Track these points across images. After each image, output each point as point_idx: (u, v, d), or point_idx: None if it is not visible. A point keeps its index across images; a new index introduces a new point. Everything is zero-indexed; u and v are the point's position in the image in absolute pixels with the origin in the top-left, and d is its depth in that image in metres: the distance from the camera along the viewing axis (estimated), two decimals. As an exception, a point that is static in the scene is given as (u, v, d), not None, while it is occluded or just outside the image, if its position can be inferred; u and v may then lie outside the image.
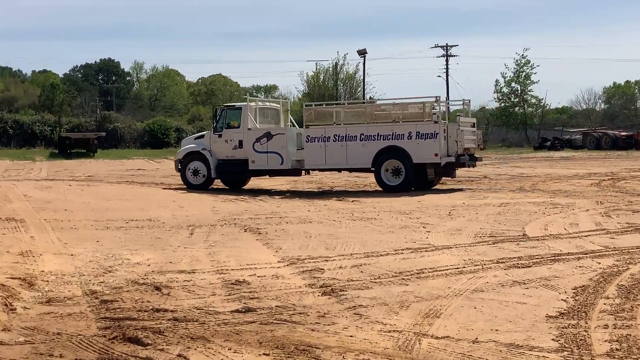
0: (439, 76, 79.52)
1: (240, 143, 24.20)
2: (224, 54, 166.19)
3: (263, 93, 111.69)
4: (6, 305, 7.80)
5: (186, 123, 66.04)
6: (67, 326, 7.14)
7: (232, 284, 8.99)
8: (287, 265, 10.26)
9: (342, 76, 65.62)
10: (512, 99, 75.72)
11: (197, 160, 24.75)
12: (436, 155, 21.61)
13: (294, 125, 25.42)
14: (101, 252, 11.26)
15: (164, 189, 23.87)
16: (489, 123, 71.27)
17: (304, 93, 67.07)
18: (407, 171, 21.90)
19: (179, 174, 25.13)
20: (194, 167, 24.78)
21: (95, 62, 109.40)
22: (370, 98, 67.74)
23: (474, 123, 23.34)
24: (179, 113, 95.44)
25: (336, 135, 22.82)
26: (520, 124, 74.94)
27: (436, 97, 22.61)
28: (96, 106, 77.05)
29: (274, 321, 7.31)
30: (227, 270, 9.87)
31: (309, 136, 23.17)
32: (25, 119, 57.81)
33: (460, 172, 28.94)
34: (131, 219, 15.43)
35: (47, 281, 9.08)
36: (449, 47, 77.70)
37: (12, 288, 8.50)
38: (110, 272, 9.75)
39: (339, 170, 24.27)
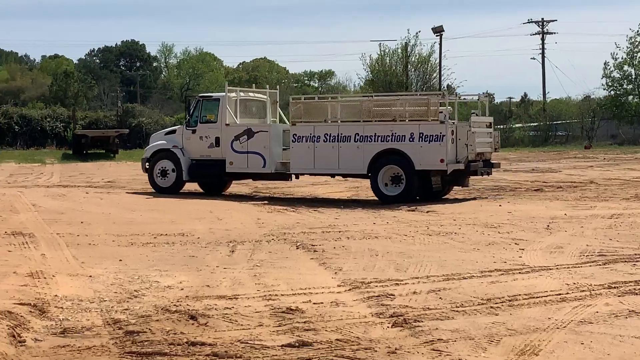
0: (533, 58, 78.65)
1: (217, 141, 24.47)
2: (270, 34, 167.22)
3: (317, 80, 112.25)
4: (14, 336, 7.95)
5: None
6: (86, 362, 7.25)
7: (283, 312, 9.02)
8: (349, 289, 10.27)
9: (413, 59, 65.39)
10: (625, 86, 74.62)
11: (166, 160, 25.12)
12: (442, 161, 21.48)
13: (283, 121, 25.37)
14: (125, 273, 11.41)
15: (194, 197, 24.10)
16: (595, 116, 70.35)
17: (367, 80, 67.09)
18: (409, 179, 21.85)
19: (146, 175, 25.68)
20: (162, 167, 25.21)
21: (116, 44, 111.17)
22: (447, 86, 67.51)
23: (490, 123, 23.30)
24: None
25: (327, 134, 22.90)
26: (635, 117, 73.76)
27: (442, 91, 22.47)
28: (117, 98, 78.06)
29: (334, 358, 7.31)
30: (276, 295, 9.91)
31: (296, 135, 23.24)
32: (34, 114, 58.97)
33: (560, 175, 28.66)
34: (160, 233, 15.61)
35: (62, 308, 9.23)
36: (545, 23, 77.07)
37: (21, 316, 8.66)
38: (136, 297, 9.87)
39: (332, 175, 24.41)
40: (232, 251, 13.50)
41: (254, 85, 29.11)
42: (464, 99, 26.63)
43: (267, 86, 27.60)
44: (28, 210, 19.36)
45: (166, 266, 11.99)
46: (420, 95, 22.89)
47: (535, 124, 67.02)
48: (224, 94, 24.91)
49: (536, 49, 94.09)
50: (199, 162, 24.73)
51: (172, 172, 25.03)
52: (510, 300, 9.52)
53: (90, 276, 11.12)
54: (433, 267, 11.83)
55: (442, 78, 65.68)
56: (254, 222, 17.59)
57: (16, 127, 56.94)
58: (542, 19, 77.41)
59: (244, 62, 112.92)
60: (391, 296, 9.82)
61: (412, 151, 21.71)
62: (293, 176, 24.43)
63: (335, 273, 11.43)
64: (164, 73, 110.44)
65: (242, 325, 8.52)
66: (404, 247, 13.88)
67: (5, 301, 9.22)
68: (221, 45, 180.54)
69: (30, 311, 8.92)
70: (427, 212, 19.43)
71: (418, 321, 8.59)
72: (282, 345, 7.71)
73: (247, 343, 7.81)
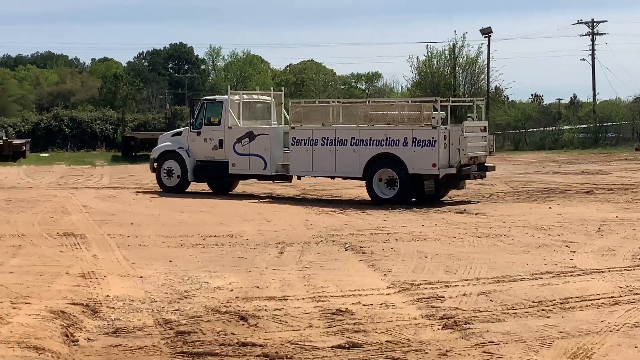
0: (583, 59, 77.68)
1: (221, 143, 25.02)
2: (317, 36, 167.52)
3: (364, 82, 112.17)
4: (67, 336, 8.04)
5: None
6: (138, 362, 7.31)
7: (333, 313, 9.03)
8: (399, 291, 10.25)
9: (460, 61, 65.05)
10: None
11: (172, 160, 25.78)
12: (434, 165, 21.83)
13: (288, 122, 25.45)
14: (175, 274, 11.49)
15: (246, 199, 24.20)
16: (649, 119, 69.35)
17: (414, 82, 66.86)
18: (402, 182, 22.23)
19: (154, 174, 26.38)
20: (168, 167, 25.85)
21: (165, 47, 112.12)
22: (495, 88, 67.10)
23: (484, 127, 23.46)
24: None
25: (324, 138, 23.51)
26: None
27: (434, 97, 23.16)
28: (165, 100, 78.82)
29: (385, 359, 7.30)
30: (325, 297, 9.93)
31: (295, 138, 23.91)
32: (84, 116, 59.65)
33: (611, 177, 28.35)
34: (209, 234, 15.71)
35: (114, 308, 9.32)
36: (595, 24, 76.18)
37: (74, 316, 8.76)
38: (186, 297, 9.94)
39: (332, 177, 24.79)
40: (281, 253, 13.54)
41: (282, 88, 29.27)
42: (476, 101, 26.65)
43: (272, 88, 28.27)
44: (79, 212, 19.58)
45: (216, 267, 12.06)
46: (412, 100, 23.64)
47: (584, 125, 66.31)
48: (227, 96, 25.45)
49: (586, 50, 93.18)
50: (203, 164, 25.43)
51: (178, 173, 25.73)
52: (561, 303, 9.45)
53: (141, 277, 11.22)
54: (483, 269, 11.77)
55: (490, 80, 65.33)
56: (302, 224, 17.62)
57: (66, 129, 57.63)
58: (592, 19, 76.51)
59: (291, 64, 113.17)
60: (441, 298, 9.78)
61: (406, 155, 22.14)
62: (294, 177, 24.97)
63: (385, 275, 11.41)
64: (211, 75, 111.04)
65: (292, 326, 8.54)
66: (453, 249, 13.83)
67: (58, 301, 9.33)
68: (268, 47, 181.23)
69: (83, 311, 9.01)
70: (476, 214, 19.33)
71: (468, 323, 8.55)
72: (332, 347, 7.72)
73: (297, 344, 7.82)
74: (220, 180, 25.90)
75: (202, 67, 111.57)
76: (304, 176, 25.12)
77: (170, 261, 12.60)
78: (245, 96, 26.32)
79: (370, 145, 22.81)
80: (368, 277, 11.27)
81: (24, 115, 66.82)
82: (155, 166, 26.26)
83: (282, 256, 13.20)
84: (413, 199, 22.33)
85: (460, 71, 65.12)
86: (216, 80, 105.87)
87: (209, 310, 9.21)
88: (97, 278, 10.94)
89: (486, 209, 20.34)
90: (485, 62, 65.08)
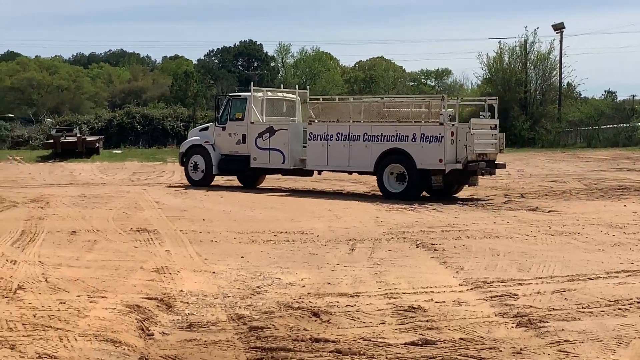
0: (658, 54, 76.42)
1: (244, 137, 26.14)
2: (386, 33, 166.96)
3: (433, 79, 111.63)
4: (142, 330, 8.16)
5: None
6: (212, 356, 7.38)
7: (405, 310, 9.01)
8: (471, 289, 10.19)
9: (532, 57, 64.33)
10: None
11: (198, 154, 27.01)
12: (440, 160, 22.44)
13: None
14: (247, 269, 11.57)
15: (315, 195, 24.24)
16: None
17: (484, 78, 66.34)
18: (411, 177, 22.93)
19: (183, 168, 27.72)
20: (195, 161, 27.08)
21: (235, 45, 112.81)
22: (567, 84, 66.18)
23: (494, 125, 23.82)
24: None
25: (339, 133, 24.40)
26: None
27: (442, 95, 23.74)
28: (235, 97, 79.26)
29: (459, 357, 7.27)
30: (397, 294, 9.91)
31: (312, 133, 24.87)
32: (155, 114, 60.37)
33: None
34: (280, 231, 15.78)
35: (187, 303, 9.42)
36: (670, 18, 74.58)
37: (149, 310, 8.88)
38: (258, 293, 10.00)
39: (349, 172, 25.33)
40: (352, 249, 13.55)
41: (307, 87, 30.40)
42: (466, 101, 27.72)
43: (297, 86, 29.22)
44: (152, 208, 19.82)
45: (287, 263, 12.12)
46: (421, 98, 24.65)
47: (659, 122, 65.09)
48: (250, 93, 26.43)
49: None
50: (227, 157, 26.58)
51: (203, 167, 26.89)
52: (639, 302, 9.30)
53: (214, 272, 11.31)
54: (557, 267, 11.64)
55: (562, 76, 64.47)
56: (373, 221, 17.61)
57: (138, 126, 58.38)
58: (667, 14, 75.00)
59: (360, 61, 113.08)
60: (514, 296, 9.70)
61: (414, 151, 22.80)
62: (315, 172, 25.79)
63: (457, 272, 11.36)
64: (281, 73, 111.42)
65: (364, 322, 8.54)
66: (526, 246, 13.70)
67: (133, 295, 9.47)
68: (338, 44, 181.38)
69: (158, 305, 9.13)
70: (549, 211, 19.13)
71: (543, 322, 8.46)
72: (405, 344, 7.70)
73: (369, 340, 7.82)
74: (242, 174, 27.08)
75: (272, 64, 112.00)
76: (321, 171, 25.76)
77: (242, 257, 12.70)
78: (269, 93, 27.37)
79: (381, 140, 23.60)
80: (440, 274, 11.22)
81: (97, 112, 67.91)
82: (184, 160, 27.50)
83: (353, 253, 13.21)
84: (427, 194, 23.20)
85: (532, 67, 64.38)
86: (285, 77, 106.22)
87: (282, 306, 9.25)
88: (170, 273, 11.07)
89: (559, 207, 20.11)
90: (557, 58, 64.27)
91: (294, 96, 27.29)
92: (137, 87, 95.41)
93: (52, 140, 46.82)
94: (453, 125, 22.69)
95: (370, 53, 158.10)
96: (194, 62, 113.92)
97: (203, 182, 26.83)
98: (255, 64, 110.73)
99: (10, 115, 72.79)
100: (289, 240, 14.56)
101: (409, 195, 22.66)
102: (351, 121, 24.35)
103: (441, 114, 22.64)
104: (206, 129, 27.69)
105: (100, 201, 21.18)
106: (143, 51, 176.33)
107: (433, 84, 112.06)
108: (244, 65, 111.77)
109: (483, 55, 65.03)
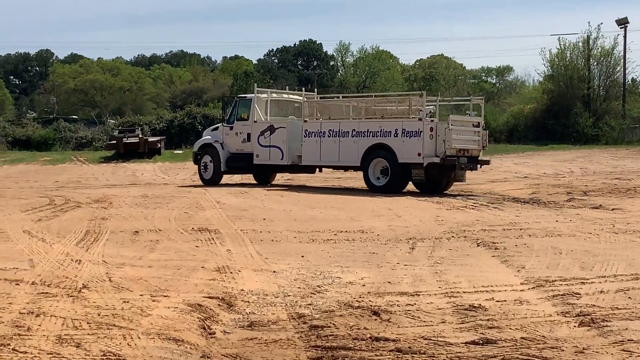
0: None
1: (249, 136, 27.62)
2: (446, 30, 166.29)
3: (494, 76, 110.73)
4: (204, 328, 8.24)
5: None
6: (273, 355, 7.43)
7: (465, 309, 8.98)
8: (533, 288, 10.11)
9: (595, 53, 63.54)
10: None
11: (208, 154, 28.56)
12: (419, 154, 23.80)
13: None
14: (307, 269, 11.62)
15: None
16: None
17: (546, 75, 65.68)
18: (393, 171, 24.40)
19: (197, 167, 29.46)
20: (205, 159, 28.65)
21: (294, 44, 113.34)
22: (632, 80, 65.20)
23: (478, 123, 24.87)
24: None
25: (331, 130, 25.88)
26: None
27: (421, 92, 25.48)
28: (295, 97, 79.45)
29: (520, 356, 7.22)
30: (457, 293, 9.87)
31: (307, 131, 26.39)
32: (216, 114, 60.68)
33: None
34: (340, 230, 15.82)
35: (248, 302, 9.49)
36: None
37: (210, 309, 8.96)
38: (319, 292, 10.03)
39: (339, 168, 27.20)
40: (412, 248, 13.53)
41: (315, 90, 32.48)
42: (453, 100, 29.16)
43: (303, 88, 31.46)
44: (213, 208, 20.00)
45: (347, 262, 12.14)
46: (405, 95, 27.94)
47: None
48: (255, 94, 28.07)
49: None
50: (234, 155, 28.16)
51: (212, 164, 28.47)
52: None
53: (274, 271, 11.38)
54: (620, 266, 11.49)
55: (627, 71, 63.57)
56: (433, 220, 17.57)
57: (199, 127, 58.83)
58: None
59: (421, 59, 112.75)
60: (577, 295, 9.60)
61: (396, 145, 24.28)
62: (317, 168, 27.58)
63: (518, 271, 11.28)
64: (340, 72, 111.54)
65: (424, 321, 8.53)
66: (589, 245, 13.55)
67: (195, 294, 9.57)
68: (397, 42, 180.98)
69: (219, 304, 9.21)
70: (613, 209, 18.91)
71: (606, 321, 8.37)
72: (465, 343, 7.68)
73: (430, 339, 7.81)
74: (248, 171, 28.68)
75: (331, 63, 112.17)
76: (317, 167, 27.29)
77: (302, 256, 12.75)
78: (274, 95, 29.11)
79: (367, 136, 24.90)
80: (501, 273, 11.15)
81: (158, 113, 68.68)
82: (199, 159, 29.02)
83: (414, 252, 13.19)
84: (416, 190, 24.83)
85: (595, 63, 63.58)
86: (345, 77, 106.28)
87: (342, 305, 9.28)
88: (231, 272, 11.16)
89: (623, 205, 19.85)
90: (621, 53, 63.42)
91: (300, 98, 28.52)
92: (198, 88, 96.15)
93: (115, 141, 47.51)
94: (432, 121, 24.06)
95: (430, 51, 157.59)
96: (254, 62, 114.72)
97: (212, 180, 28.27)
98: (315, 63, 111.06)
99: (74, 116, 73.97)
100: (349, 240, 14.59)
101: (392, 188, 24.14)
102: (341, 118, 26.04)
103: (420, 110, 24.08)
104: (217, 129, 29.13)
105: (162, 201, 21.43)
106: (203, 52, 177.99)
107: (494, 81, 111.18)
108: (303, 64, 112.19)
109: (545, 52, 64.55)
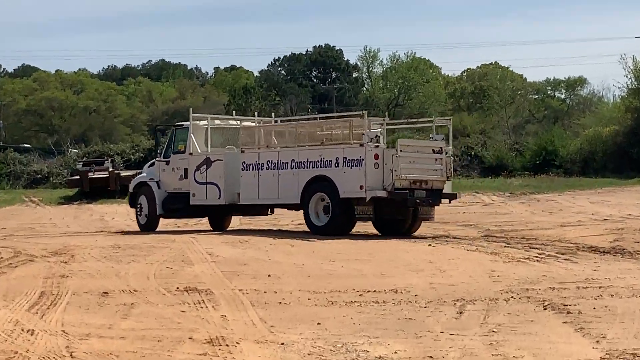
0: None
1: (186, 172, 28.02)
2: (501, 32, 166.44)
3: (563, 90, 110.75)
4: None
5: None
6: None
7: (530, 392, 8.94)
8: (617, 363, 10.07)
9: (691, 59, 63.45)
10: None
11: (143, 194, 28.89)
12: (361, 187, 24.34)
13: None
14: (325, 339, 11.60)
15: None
16: None
17: (630, 89, 65.54)
18: (334, 208, 24.96)
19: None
20: (140, 202, 28.96)
21: (307, 51, 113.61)
22: None
23: (440, 148, 25.39)
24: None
25: (269, 161, 26.61)
26: None
27: (362, 112, 26.10)
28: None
29: None
30: (519, 370, 9.84)
31: (245, 162, 27.12)
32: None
33: None
34: (367, 289, 15.78)
35: (249, 383, 9.47)
36: None
37: (200, 393, 8.94)
38: (340, 370, 10.01)
39: (274, 207, 27.76)
40: (460, 312, 13.49)
41: (272, 114, 33.10)
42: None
43: (256, 113, 33.15)
44: (203, 261, 19.99)
45: (376, 331, 12.10)
46: (341, 117, 28.87)
47: None
48: (191, 122, 28.57)
49: None
50: (171, 195, 28.53)
51: (147, 207, 28.71)
52: None
53: (282, 343, 11.35)
54: None
55: None
56: (487, 275, 17.52)
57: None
58: None
59: (469, 69, 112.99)
60: (674, 373, 9.55)
61: (337, 177, 24.93)
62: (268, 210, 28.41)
63: (597, 342, 11.22)
64: (366, 85, 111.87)
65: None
66: (689, 307, 13.49)
67: (180, 374, 9.56)
68: (439, 48, 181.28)
69: (212, 388, 9.19)
70: None
71: None
72: None
73: None
74: (187, 214, 29.46)
75: (355, 74, 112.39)
76: (259, 206, 27.83)
77: (318, 323, 12.72)
78: (218, 122, 29.77)
79: (307, 167, 25.58)
80: (575, 345, 11.10)
81: (133, 140, 68.93)
82: (134, 201, 29.55)
83: (462, 317, 13.15)
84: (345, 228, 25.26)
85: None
86: (372, 92, 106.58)
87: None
88: (227, 345, 11.14)
89: None
90: None
91: (253, 124, 29.35)
92: (185, 107, 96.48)
93: (78, 177, 47.68)
94: (377, 147, 24.66)
95: (481, 58, 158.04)
96: (256, 73, 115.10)
97: (148, 227, 28.62)
98: (333, 75, 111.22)
99: (25, 145, 74.24)
100: (379, 302, 14.55)
101: (334, 228, 24.81)
102: (279, 147, 26.76)
103: (363, 134, 24.62)
104: (153, 164, 29.63)
105: (139, 253, 21.44)
106: (191, 62, 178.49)
107: (563, 96, 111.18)
108: (318, 76, 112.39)
109: (627, 59, 64.32)
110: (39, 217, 38.24)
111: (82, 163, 52.01)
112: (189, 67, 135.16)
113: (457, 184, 47.26)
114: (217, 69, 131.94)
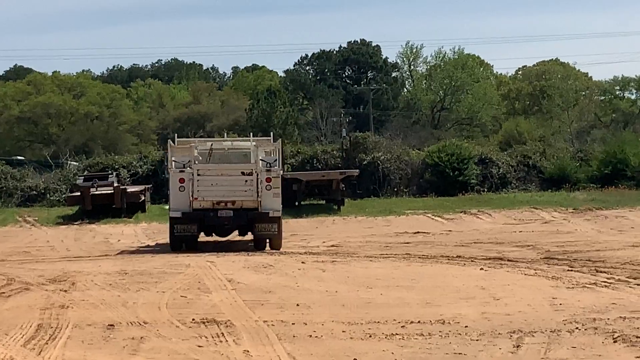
0: None
1: None
2: (562, 24, 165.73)
3: (635, 90, 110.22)
4: None
5: (496, 148, 66.57)
6: None
7: None
8: (699, 404, 10.03)
9: None
10: None
11: None
12: (169, 209, 31.02)
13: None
14: (363, 378, 11.61)
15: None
16: None
17: None
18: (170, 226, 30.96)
19: None
20: None
21: (339, 48, 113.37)
22: None
23: (250, 171, 30.03)
24: (483, 131, 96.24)
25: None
26: None
27: (170, 135, 28.64)
28: (341, 124, 79.65)
29: None
30: (586, 413, 9.83)
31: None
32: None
33: None
34: (411, 320, 15.79)
35: None
36: None
37: None
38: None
39: None
40: (518, 346, 13.47)
41: (271, 133, 34.58)
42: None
43: (251, 133, 35.07)
44: (222, 288, 20.02)
45: (422, 368, 12.12)
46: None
47: None
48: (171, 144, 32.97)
49: None
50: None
51: None
52: None
53: (314, 382, 11.38)
54: None
55: None
56: (548, 303, 17.48)
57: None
58: None
59: (525, 66, 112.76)
60: None
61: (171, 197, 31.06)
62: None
63: (677, 380, 11.20)
64: (407, 86, 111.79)
65: None
66: None
67: (197, 417, 9.59)
68: (490, 43, 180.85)
69: None
70: None
71: None
72: None
73: None
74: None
75: (394, 74, 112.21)
76: None
77: (354, 359, 12.72)
78: (199, 144, 32.77)
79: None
80: (650, 383, 11.08)
81: (141, 150, 68.96)
82: None
83: (519, 351, 13.14)
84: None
85: None
86: (413, 93, 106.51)
87: None
88: (250, 385, 11.18)
89: None
90: None
91: (247, 144, 32.14)
92: (200, 113, 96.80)
93: (79, 193, 47.71)
94: (182, 171, 30.23)
95: (539, 54, 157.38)
96: (280, 73, 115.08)
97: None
98: (370, 75, 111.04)
99: (19, 157, 74.36)
100: (424, 334, 14.55)
101: (172, 244, 30.57)
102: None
103: (171, 159, 31.00)
104: None
105: (149, 280, 21.51)
106: (207, 61, 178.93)
107: (633, 96, 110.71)
108: (352, 76, 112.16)
109: None
110: (34, 239, 38.32)
111: (83, 177, 52.05)
112: (204, 67, 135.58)
113: (512, 199, 47.38)
114: (236, 69, 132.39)
